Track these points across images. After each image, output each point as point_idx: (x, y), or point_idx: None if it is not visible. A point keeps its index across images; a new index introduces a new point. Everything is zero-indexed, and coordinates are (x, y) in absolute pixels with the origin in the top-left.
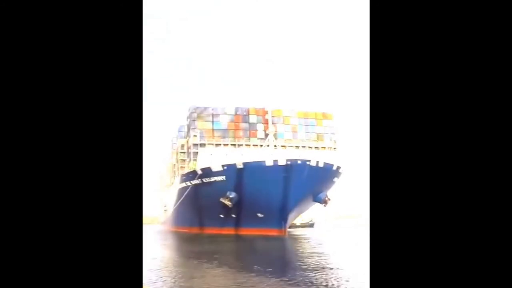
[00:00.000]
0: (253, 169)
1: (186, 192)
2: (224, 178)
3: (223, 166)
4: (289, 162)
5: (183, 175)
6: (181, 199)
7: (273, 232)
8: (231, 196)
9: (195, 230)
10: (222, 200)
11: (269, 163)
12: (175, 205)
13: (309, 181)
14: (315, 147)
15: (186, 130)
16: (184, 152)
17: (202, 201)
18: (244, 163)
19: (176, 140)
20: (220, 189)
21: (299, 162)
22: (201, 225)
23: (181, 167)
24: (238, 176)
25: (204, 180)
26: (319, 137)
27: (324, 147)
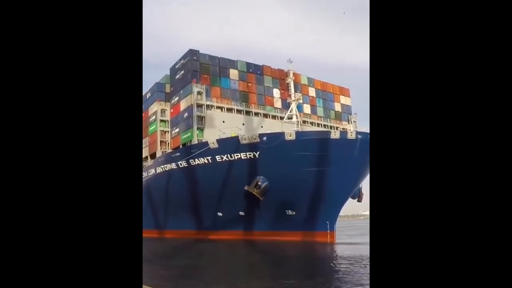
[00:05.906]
0: (311, 143)
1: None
2: (257, 155)
3: (260, 136)
4: (359, 136)
5: (169, 153)
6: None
7: (314, 237)
8: (260, 183)
9: (187, 235)
10: (248, 188)
11: (335, 135)
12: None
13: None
14: (336, 127)
15: (167, 89)
16: (164, 121)
17: (197, 191)
18: (297, 133)
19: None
20: (242, 172)
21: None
22: (201, 227)
23: (162, 141)
24: (281, 152)
25: (219, 158)
26: (337, 115)
27: (344, 128)
